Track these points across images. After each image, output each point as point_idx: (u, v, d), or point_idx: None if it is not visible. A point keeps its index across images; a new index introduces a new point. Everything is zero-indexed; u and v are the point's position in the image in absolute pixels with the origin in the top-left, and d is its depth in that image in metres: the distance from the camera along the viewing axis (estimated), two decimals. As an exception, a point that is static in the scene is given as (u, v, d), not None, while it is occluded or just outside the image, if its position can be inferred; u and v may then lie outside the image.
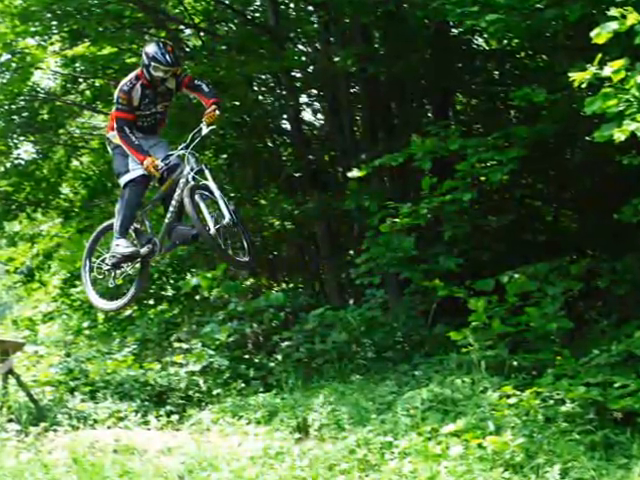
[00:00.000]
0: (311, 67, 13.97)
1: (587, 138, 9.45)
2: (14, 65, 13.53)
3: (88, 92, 14.86)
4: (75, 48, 13.77)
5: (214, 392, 10.52)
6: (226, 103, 12.11)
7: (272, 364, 11.28)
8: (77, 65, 14.13)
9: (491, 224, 11.98)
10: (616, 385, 8.37)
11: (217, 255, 8.29)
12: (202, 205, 7.25)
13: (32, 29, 13.04)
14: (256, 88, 14.59)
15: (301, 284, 14.70)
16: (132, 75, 7.56)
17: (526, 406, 8.38)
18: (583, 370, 8.90)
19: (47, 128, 14.78)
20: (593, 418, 8.22)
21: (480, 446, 7.80)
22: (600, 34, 7.40)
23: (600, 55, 7.49)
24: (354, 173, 10.76)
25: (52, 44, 13.80)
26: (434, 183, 10.41)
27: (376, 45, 13.15)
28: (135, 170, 7.56)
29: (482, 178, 10.63)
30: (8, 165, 15.03)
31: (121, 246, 7.65)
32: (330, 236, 13.82)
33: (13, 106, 14.04)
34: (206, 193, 7.31)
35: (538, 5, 9.19)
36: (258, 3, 14.29)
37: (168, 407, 10.22)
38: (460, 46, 12.87)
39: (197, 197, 7.26)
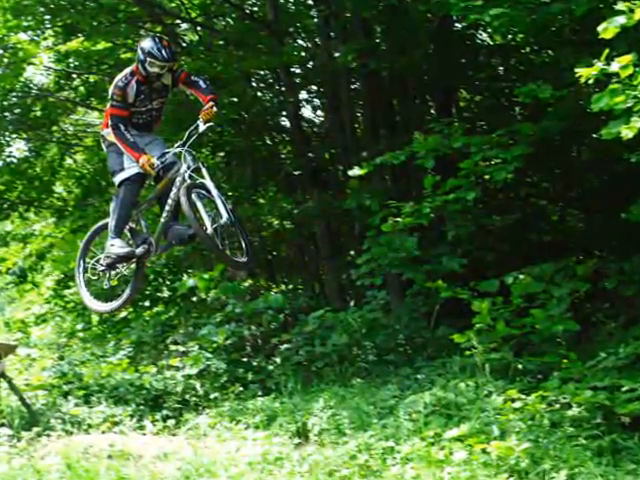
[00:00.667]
0: (311, 63, 13.98)
1: (594, 135, 9.44)
2: (6, 60, 13.53)
3: (82, 88, 14.87)
4: (69, 43, 13.77)
5: (211, 396, 10.52)
6: (224, 99, 12.11)
7: (271, 367, 11.28)
8: (71, 60, 14.14)
9: (495, 224, 11.98)
10: (624, 389, 8.37)
11: (214, 255, 8.31)
12: (199, 204, 7.26)
13: (24, 23, 13.05)
14: (254, 84, 14.61)
15: (301, 285, 14.71)
16: (127, 71, 7.57)
17: (531, 410, 8.38)
18: (590, 373, 8.90)
19: (40, 125, 14.80)
20: (600, 423, 8.22)
21: (484, 451, 7.80)
22: (607, 29, 7.40)
23: (607, 50, 7.49)
24: (355, 171, 10.76)
25: (45, 39, 13.81)
26: (437, 182, 10.42)
27: (377, 40, 13.16)
28: (130, 168, 7.57)
29: (486, 176, 10.63)
30: (0, 163, 15.04)
31: (116, 246, 7.66)
32: (330, 236, 13.82)
33: (5, 102, 14.05)
34: (203, 192, 7.32)
35: (544, -1, 9.20)
36: (256, -3, 14.32)
37: (164, 411, 10.22)
38: (463, 41, 12.87)
39: (194, 196, 7.27)
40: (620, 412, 8.28)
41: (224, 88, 12.32)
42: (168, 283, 15.14)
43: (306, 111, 14.94)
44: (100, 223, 8.14)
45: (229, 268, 11.47)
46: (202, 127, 7.40)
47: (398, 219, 10.40)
